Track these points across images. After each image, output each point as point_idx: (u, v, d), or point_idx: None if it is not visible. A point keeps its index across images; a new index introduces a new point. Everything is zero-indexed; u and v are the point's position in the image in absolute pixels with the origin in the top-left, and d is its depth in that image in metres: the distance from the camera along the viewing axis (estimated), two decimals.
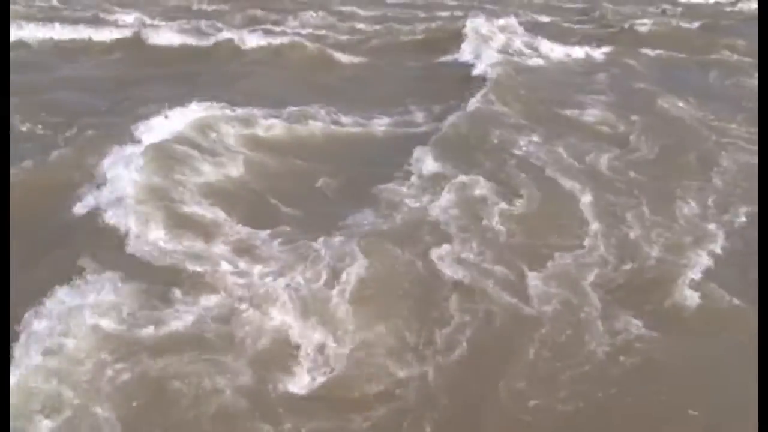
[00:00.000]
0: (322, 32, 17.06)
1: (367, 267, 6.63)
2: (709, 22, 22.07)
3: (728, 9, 24.40)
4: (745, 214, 9.01)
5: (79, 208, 7.80)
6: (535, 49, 16.88)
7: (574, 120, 11.98)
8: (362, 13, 20.79)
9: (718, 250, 7.95)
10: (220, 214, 7.71)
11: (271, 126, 10.52)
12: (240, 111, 10.67)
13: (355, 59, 15.19)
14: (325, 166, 9.49)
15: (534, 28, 18.33)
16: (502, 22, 18.40)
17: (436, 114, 11.57)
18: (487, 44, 16.03)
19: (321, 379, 5.57)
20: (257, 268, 6.71)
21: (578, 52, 17.08)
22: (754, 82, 15.12)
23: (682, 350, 6.22)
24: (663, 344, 6.22)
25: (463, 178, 8.78)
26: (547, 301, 6.66)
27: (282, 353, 5.70)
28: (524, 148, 10.17)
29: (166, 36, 16.24)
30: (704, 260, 7.72)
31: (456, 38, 16.48)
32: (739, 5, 24.98)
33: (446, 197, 8.31)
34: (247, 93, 11.67)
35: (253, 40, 15.62)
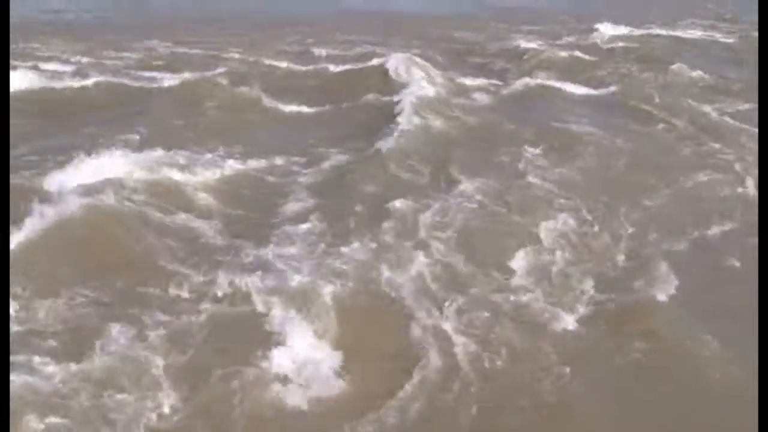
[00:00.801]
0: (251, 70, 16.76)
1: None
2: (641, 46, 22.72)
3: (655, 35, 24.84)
4: (693, 237, 9.56)
5: None
6: (453, 82, 17.04)
7: (503, 144, 12.48)
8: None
9: (660, 276, 8.26)
10: None
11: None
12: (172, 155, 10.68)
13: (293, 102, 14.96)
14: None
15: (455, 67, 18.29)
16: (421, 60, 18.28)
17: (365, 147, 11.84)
18: (408, 80, 16.05)
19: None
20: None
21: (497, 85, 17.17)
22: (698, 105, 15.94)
23: (608, 383, 6.56)
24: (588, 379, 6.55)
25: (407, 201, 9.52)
26: (470, 335, 6.94)
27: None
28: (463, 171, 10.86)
29: None
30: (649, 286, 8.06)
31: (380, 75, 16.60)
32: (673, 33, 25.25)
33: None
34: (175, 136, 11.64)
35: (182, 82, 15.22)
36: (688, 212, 10.28)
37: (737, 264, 8.88)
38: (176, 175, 10.10)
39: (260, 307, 6.96)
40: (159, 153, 10.67)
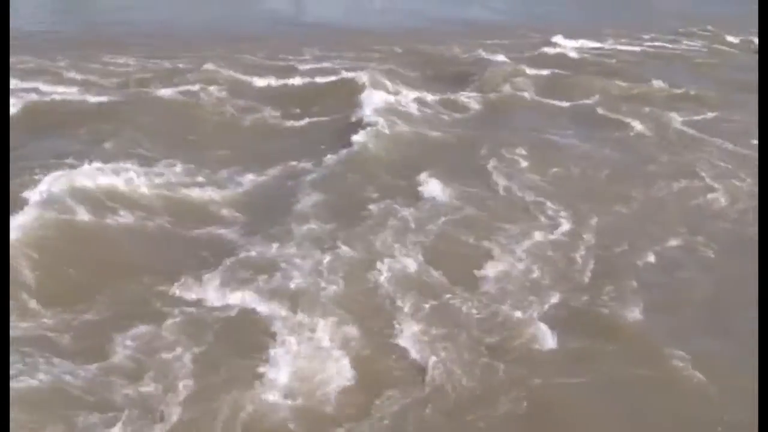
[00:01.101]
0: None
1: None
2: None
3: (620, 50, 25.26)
4: (664, 248, 9.70)
5: None
6: (426, 93, 17.11)
7: (479, 152, 12.78)
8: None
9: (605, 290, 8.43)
10: None
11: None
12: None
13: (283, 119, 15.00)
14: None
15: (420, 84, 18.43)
16: (394, 73, 18.62)
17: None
18: (383, 91, 16.24)
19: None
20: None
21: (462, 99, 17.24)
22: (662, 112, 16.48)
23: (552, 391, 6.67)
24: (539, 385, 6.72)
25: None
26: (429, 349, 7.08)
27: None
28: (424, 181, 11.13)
29: None
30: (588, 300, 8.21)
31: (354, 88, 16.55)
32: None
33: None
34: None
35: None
36: (659, 223, 10.52)
37: (707, 276, 9.10)
38: (173, 185, 10.31)
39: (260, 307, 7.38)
40: (160, 165, 10.91)
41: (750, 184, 12.13)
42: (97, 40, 21.07)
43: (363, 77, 16.96)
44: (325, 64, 19.47)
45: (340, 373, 6.56)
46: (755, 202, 11.26)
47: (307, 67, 19.21)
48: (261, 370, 6.46)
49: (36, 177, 9.57)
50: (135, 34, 22.12)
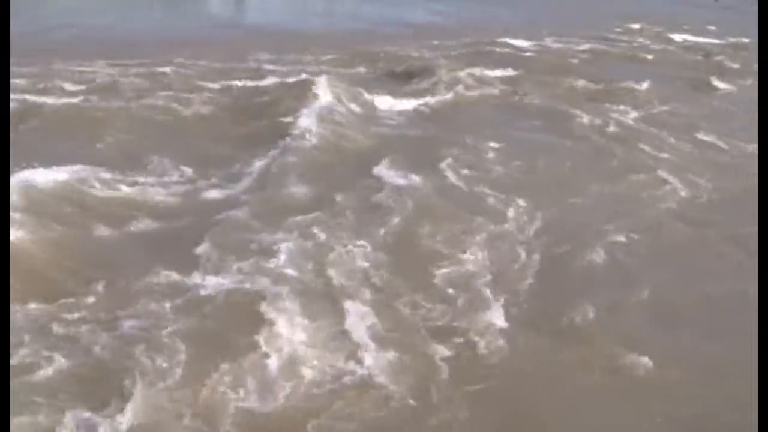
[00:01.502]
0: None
1: None
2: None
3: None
4: (618, 243, 9.85)
5: None
6: (379, 94, 17.24)
7: (432, 149, 12.95)
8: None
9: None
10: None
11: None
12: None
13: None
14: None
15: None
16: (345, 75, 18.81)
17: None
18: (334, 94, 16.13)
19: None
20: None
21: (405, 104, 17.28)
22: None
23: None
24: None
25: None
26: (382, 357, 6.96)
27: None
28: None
29: None
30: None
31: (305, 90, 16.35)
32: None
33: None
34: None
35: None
36: (619, 217, 10.69)
37: (665, 271, 9.28)
38: (152, 186, 10.43)
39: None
40: (139, 168, 10.98)
41: (707, 179, 12.62)
42: (40, 47, 20.54)
43: (319, 79, 16.88)
44: (280, 67, 19.37)
45: (292, 372, 6.54)
46: (712, 195, 11.85)
47: (266, 68, 19.20)
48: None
49: (21, 176, 9.50)
50: (83, 40, 21.69)
